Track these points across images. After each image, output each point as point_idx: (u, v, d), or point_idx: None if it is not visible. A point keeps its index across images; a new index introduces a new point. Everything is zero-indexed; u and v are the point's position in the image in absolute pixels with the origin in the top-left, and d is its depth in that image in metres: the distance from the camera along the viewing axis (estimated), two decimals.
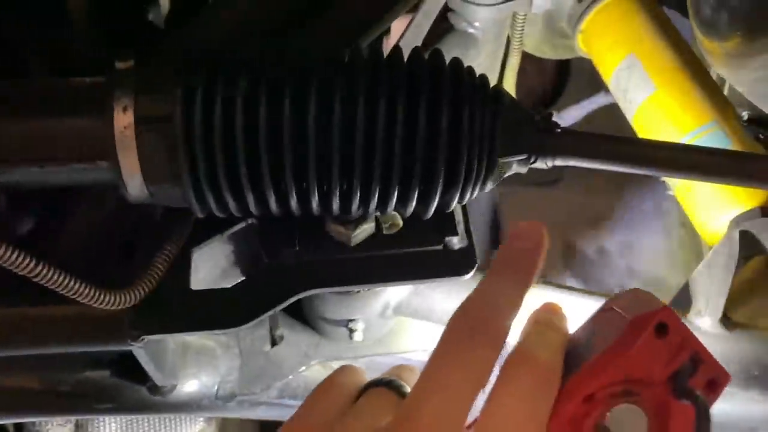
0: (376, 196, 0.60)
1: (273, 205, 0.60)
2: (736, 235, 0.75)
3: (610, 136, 0.64)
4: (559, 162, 0.65)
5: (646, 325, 0.48)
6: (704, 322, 0.77)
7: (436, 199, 0.61)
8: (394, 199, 0.60)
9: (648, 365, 0.48)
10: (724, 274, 0.75)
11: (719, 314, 0.76)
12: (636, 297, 0.54)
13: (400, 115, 0.57)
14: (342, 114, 0.57)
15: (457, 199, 0.62)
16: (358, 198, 0.59)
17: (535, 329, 0.55)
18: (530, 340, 0.53)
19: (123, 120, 0.58)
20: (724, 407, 0.90)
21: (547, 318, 0.56)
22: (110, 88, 0.58)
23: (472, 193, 0.63)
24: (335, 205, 0.60)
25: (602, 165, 0.64)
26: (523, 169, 0.65)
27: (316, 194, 0.59)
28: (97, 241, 0.77)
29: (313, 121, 0.56)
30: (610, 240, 2.00)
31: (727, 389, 0.81)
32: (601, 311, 0.56)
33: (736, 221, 0.75)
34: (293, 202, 0.60)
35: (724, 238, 0.76)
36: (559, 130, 0.63)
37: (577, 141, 0.63)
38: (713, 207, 0.86)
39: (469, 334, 0.52)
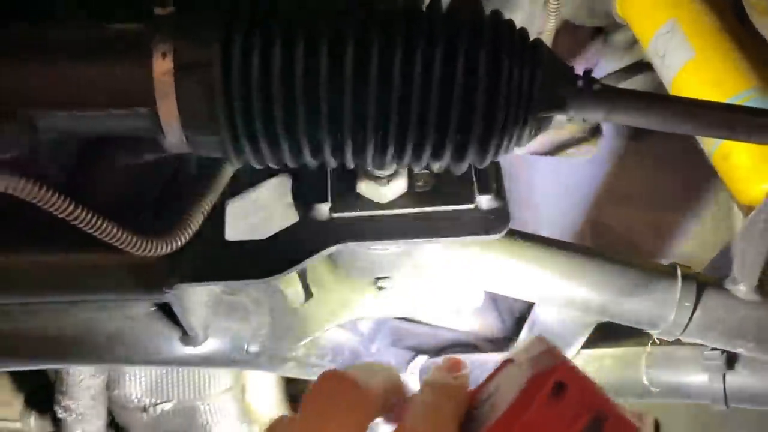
0: (411, 146, 0.59)
1: (308, 155, 0.61)
2: None
3: (653, 93, 0.63)
4: (597, 119, 0.64)
5: (543, 386, 0.44)
6: (739, 290, 0.76)
7: (472, 152, 0.60)
8: (429, 151, 0.60)
9: (546, 430, 0.44)
10: (761, 242, 0.74)
11: (755, 282, 0.75)
12: (539, 348, 0.49)
13: (437, 64, 0.56)
14: (379, 63, 0.56)
15: (492, 153, 0.61)
16: (393, 147, 0.59)
17: (427, 401, 0.51)
18: (419, 416, 0.49)
19: (162, 66, 0.59)
20: (752, 381, 0.89)
21: (443, 383, 0.52)
22: (150, 33, 0.59)
23: (507, 148, 0.62)
24: (370, 154, 0.60)
25: (643, 122, 0.63)
26: (562, 125, 0.65)
27: (351, 144, 0.59)
28: (136, 191, 0.78)
29: (349, 70, 0.56)
30: (639, 219, 1.98)
31: (761, 359, 0.80)
32: (505, 363, 0.52)
33: None
34: (328, 152, 0.60)
35: (762, 205, 0.74)
36: (598, 86, 0.63)
37: (617, 97, 0.62)
38: (752, 174, 0.84)
39: None
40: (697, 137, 0.96)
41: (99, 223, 0.61)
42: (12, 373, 1.13)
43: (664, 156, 1.86)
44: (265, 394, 1.52)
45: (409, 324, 1.40)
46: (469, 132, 0.58)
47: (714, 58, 0.93)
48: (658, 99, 0.63)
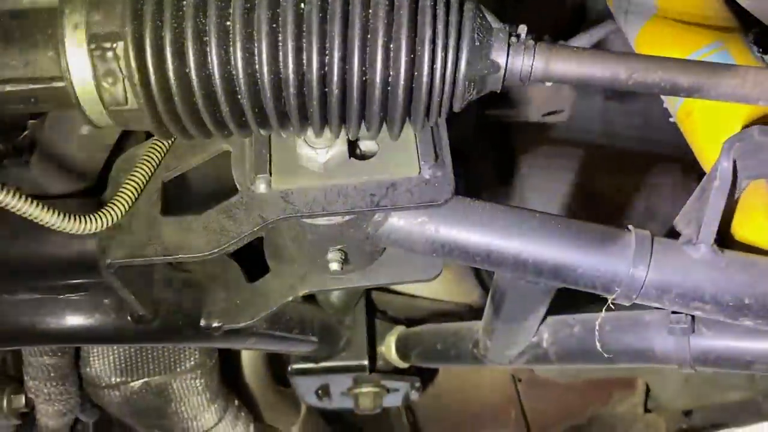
0: (336, 108, 0.57)
1: (230, 122, 0.59)
2: (730, 158, 0.71)
3: (592, 49, 0.61)
4: (536, 78, 0.61)
5: None
6: (696, 251, 0.74)
7: (398, 114, 0.58)
8: (355, 112, 0.58)
9: None
10: (717, 198, 0.72)
11: (711, 240, 0.73)
12: None
13: (356, 9, 0.54)
14: (294, 6, 0.54)
15: (422, 114, 0.59)
16: (317, 110, 0.57)
17: None
18: None
19: (75, 38, 0.57)
20: (717, 344, 0.88)
21: None
22: (61, 4, 0.57)
23: (440, 110, 0.60)
24: (294, 118, 0.58)
25: (583, 77, 0.60)
26: (497, 87, 0.62)
27: (273, 107, 0.57)
28: (70, 171, 0.76)
29: (264, 26, 0.54)
30: (629, 182, 1.95)
31: (719, 320, 0.78)
32: None
33: (730, 143, 0.71)
34: (251, 118, 0.58)
35: (718, 161, 0.72)
36: (532, 42, 0.60)
37: (554, 51, 0.60)
38: (713, 131, 0.82)
39: None
40: (662, 95, 0.94)
41: (20, 204, 0.59)
42: None
43: (651, 119, 1.82)
44: (248, 371, 1.53)
45: (386, 294, 1.39)
46: (394, 90, 0.56)
47: (676, 13, 0.89)
48: (596, 52, 0.61)
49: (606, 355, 0.88)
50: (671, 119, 0.94)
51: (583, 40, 1.27)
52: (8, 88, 0.59)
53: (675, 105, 0.89)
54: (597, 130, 1.89)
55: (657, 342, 0.90)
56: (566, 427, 1.93)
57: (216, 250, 0.68)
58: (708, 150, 0.82)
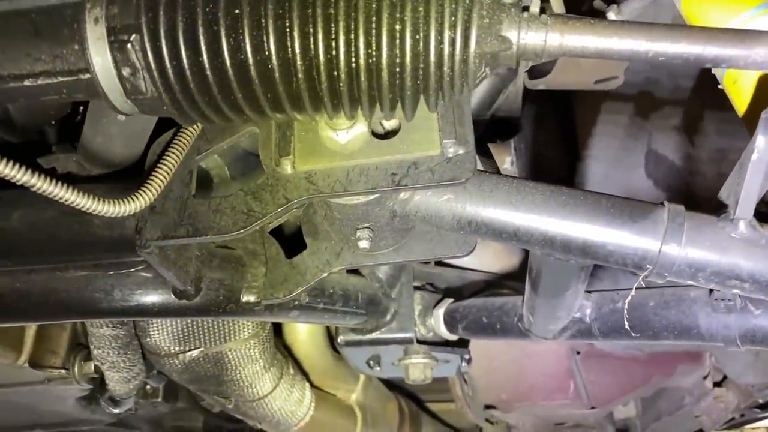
0: (346, 91, 0.58)
1: (246, 107, 0.60)
2: None
3: (611, 20, 0.58)
4: (551, 53, 0.60)
5: None
6: (734, 227, 0.70)
7: (410, 93, 0.58)
8: (366, 96, 0.58)
9: None
10: (756, 172, 0.68)
11: (750, 215, 0.69)
12: None
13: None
14: None
15: (434, 93, 0.59)
16: (327, 94, 0.58)
17: None
18: None
19: (96, 31, 0.59)
20: (765, 322, 0.84)
21: None
22: (82, 1, 0.60)
23: (452, 88, 0.59)
24: (305, 99, 0.59)
25: (601, 48, 0.58)
26: (512, 63, 0.61)
27: (285, 93, 0.59)
28: (111, 155, 0.80)
29: (271, 7, 0.55)
30: (701, 147, 1.86)
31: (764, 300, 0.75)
32: None
33: None
34: (265, 104, 0.60)
35: (757, 132, 0.68)
36: (545, 16, 0.58)
37: (568, 24, 0.58)
38: (759, 99, 0.77)
39: None
40: None
41: (56, 190, 0.63)
42: (58, 324, 1.22)
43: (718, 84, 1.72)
44: (307, 339, 1.58)
45: (435, 267, 1.39)
46: (402, 72, 0.56)
47: None
48: (615, 23, 0.59)
49: (634, 334, 0.86)
50: (719, 86, 0.89)
51: (636, 2, 1.21)
52: (40, 81, 0.63)
53: (721, 71, 0.84)
54: (665, 96, 1.81)
55: (702, 319, 0.86)
56: (630, 399, 1.90)
57: (242, 231, 0.70)
58: (753, 118, 0.78)
